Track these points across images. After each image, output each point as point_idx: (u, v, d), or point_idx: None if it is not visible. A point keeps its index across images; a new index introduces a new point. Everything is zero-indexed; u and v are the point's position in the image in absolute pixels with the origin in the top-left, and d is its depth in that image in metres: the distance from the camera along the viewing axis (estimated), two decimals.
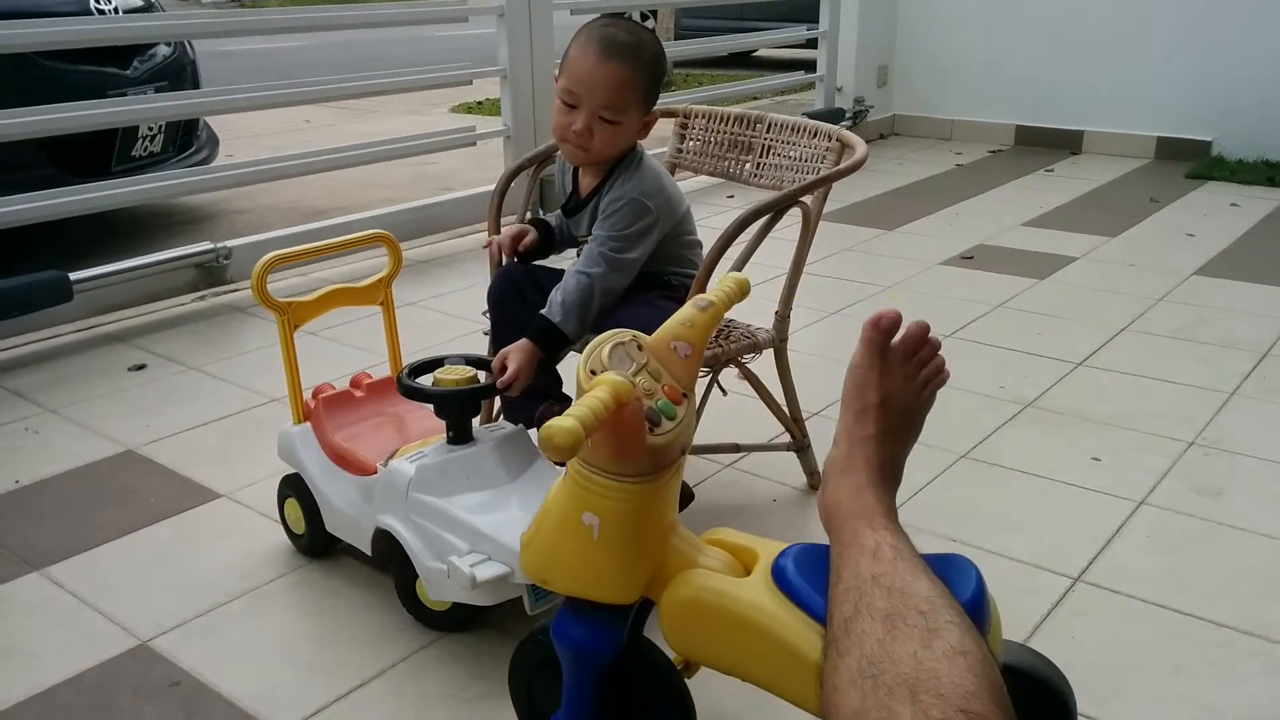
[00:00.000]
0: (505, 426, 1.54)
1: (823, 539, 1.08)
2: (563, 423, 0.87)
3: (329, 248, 1.65)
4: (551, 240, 1.76)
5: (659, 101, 1.63)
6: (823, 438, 1.94)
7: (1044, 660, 1.12)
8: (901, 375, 1.12)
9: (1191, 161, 4.58)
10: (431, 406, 1.48)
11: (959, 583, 0.95)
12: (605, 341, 1.02)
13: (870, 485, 1.05)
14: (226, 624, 1.52)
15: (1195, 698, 1.35)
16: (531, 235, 1.72)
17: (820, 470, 1.87)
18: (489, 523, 1.37)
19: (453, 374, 1.45)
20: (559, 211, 1.75)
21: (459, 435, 1.48)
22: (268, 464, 1.96)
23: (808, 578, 0.99)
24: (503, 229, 1.74)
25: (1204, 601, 1.55)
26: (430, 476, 1.42)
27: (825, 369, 2.42)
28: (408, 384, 1.46)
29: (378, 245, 1.69)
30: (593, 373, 0.98)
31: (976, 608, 0.93)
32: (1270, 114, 4.45)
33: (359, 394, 1.66)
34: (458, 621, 1.47)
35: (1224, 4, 4.45)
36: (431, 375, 1.48)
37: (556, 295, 1.54)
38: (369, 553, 1.53)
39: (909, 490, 1.87)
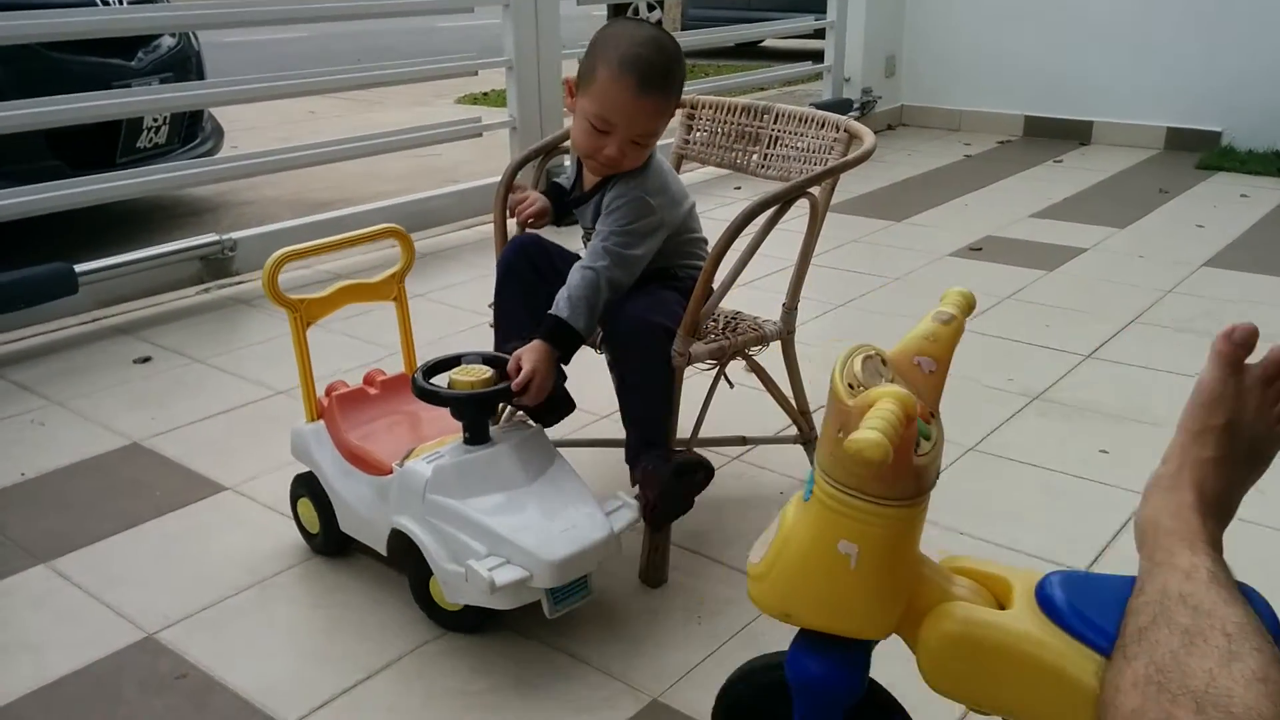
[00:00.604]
0: (522, 428, 1.52)
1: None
2: (869, 435, 0.82)
3: (340, 243, 1.63)
4: (564, 208, 1.72)
5: None
6: None
7: None
8: (1256, 400, 1.02)
9: (1201, 152, 4.55)
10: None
11: (1259, 613, 0.88)
12: (855, 354, 0.96)
13: (1195, 508, 0.96)
14: (233, 617, 1.52)
15: None
16: (548, 217, 1.69)
17: None
18: (508, 526, 1.36)
19: (470, 374, 1.43)
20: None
21: (476, 436, 1.46)
22: (273, 457, 1.96)
23: (1076, 604, 0.93)
24: (530, 201, 1.68)
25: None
26: (447, 478, 1.41)
27: (832, 361, 2.41)
28: (423, 386, 1.44)
29: (388, 239, 1.68)
30: (851, 387, 0.92)
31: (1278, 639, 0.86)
32: None
33: (373, 392, 1.64)
34: (470, 622, 1.46)
35: None
36: (447, 375, 1.46)
37: (564, 293, 1.52)
38: (384, 553, 1.51)
39: None
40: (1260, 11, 4.38)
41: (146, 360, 2.48)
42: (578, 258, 1.62)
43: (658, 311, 1.53)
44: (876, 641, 1.02)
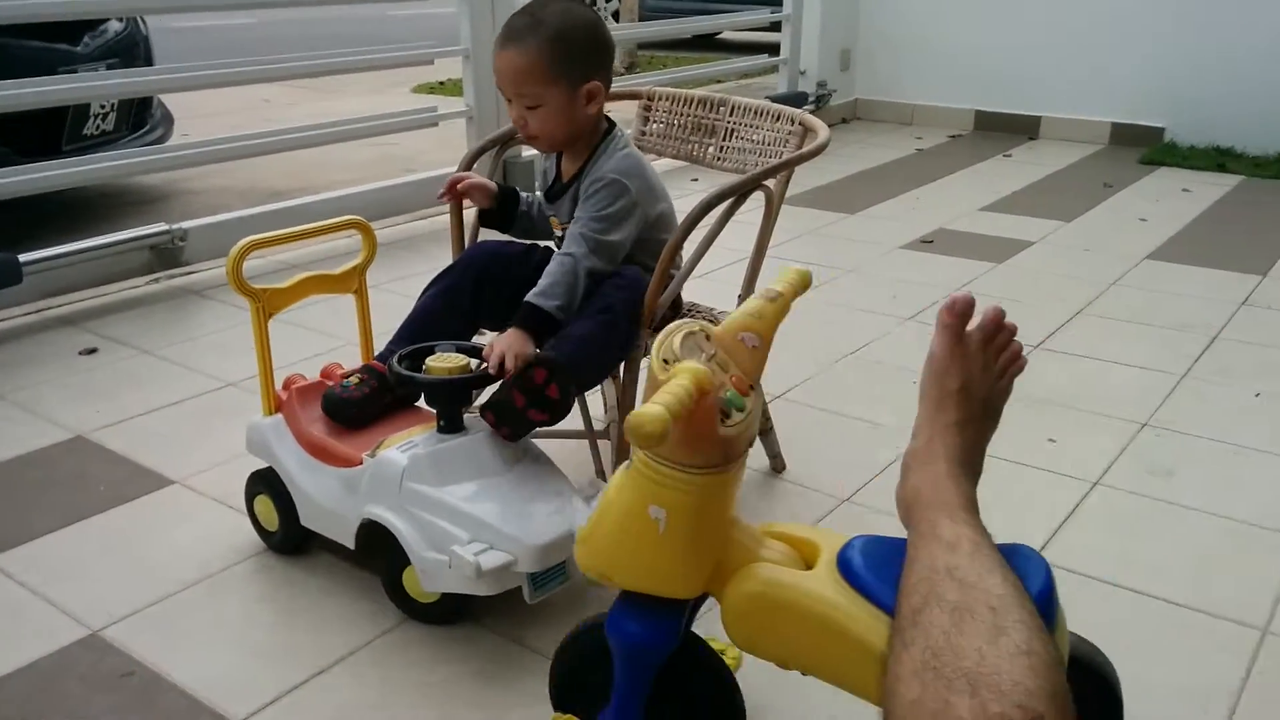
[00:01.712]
0: None
1: (773, 520, 1.08)
2: (651, 410, 0.85)
3: (305, 234, 1.60)
4: (513, 215, 1.72)
5: (631, 77, 1.61)
6: (785, 421, 1.96)
7: (1095, 649, 1.12)
8: (980, 362, 1.10)
9: (1145, 147, 4.65)
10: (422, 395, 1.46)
11: (1028, 574, 0.93)
12: (675, 331, 1.00)
13: (950, 476, 1.03)
14: (180, 612, 1.50)
15: (1147, 675, 1.38)
16: (487, 191, 1.68)
17: (780, 454, 1.88)
18: (489, 511, 1.36)
19: (445, 361, 1.43)
20: (540, 194, 1.74)
21: (450, 424, 1.46)
22: (223, 450, 1.93)
23: (874, 570, 0.97)
24: (469, 178, 1.68)
25: (1156, 580, 1.58)
26: (424, 466, 1.40)
27: (786, 352, 2.43)
28: (400, 372, 1.43)
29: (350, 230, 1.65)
30: (665, 362, 0.96)
31: (1045, 601, 0.91)
32: (1221, 101, 4.52)
33: (331, 384, 1.61)
34: (446, 613, 1.45)
35: None
36: (424, 364, 1.45)
37: (543, 280, 1.52)
38: (351, 546, 1.49)
39: (871, 471, 1.88)
40: (1203, 11, 4.48)
41: (93, 352, 2.43)
42: (536, 277, 1.62)
43: (617, 300, 1.53)
44: (690, 601, 1.07)
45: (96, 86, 3.13)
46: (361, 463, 1.46)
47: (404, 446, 1.43)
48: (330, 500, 1.50)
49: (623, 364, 1.60)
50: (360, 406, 1.54)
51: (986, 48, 5.05)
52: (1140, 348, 2.48)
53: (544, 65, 1.51)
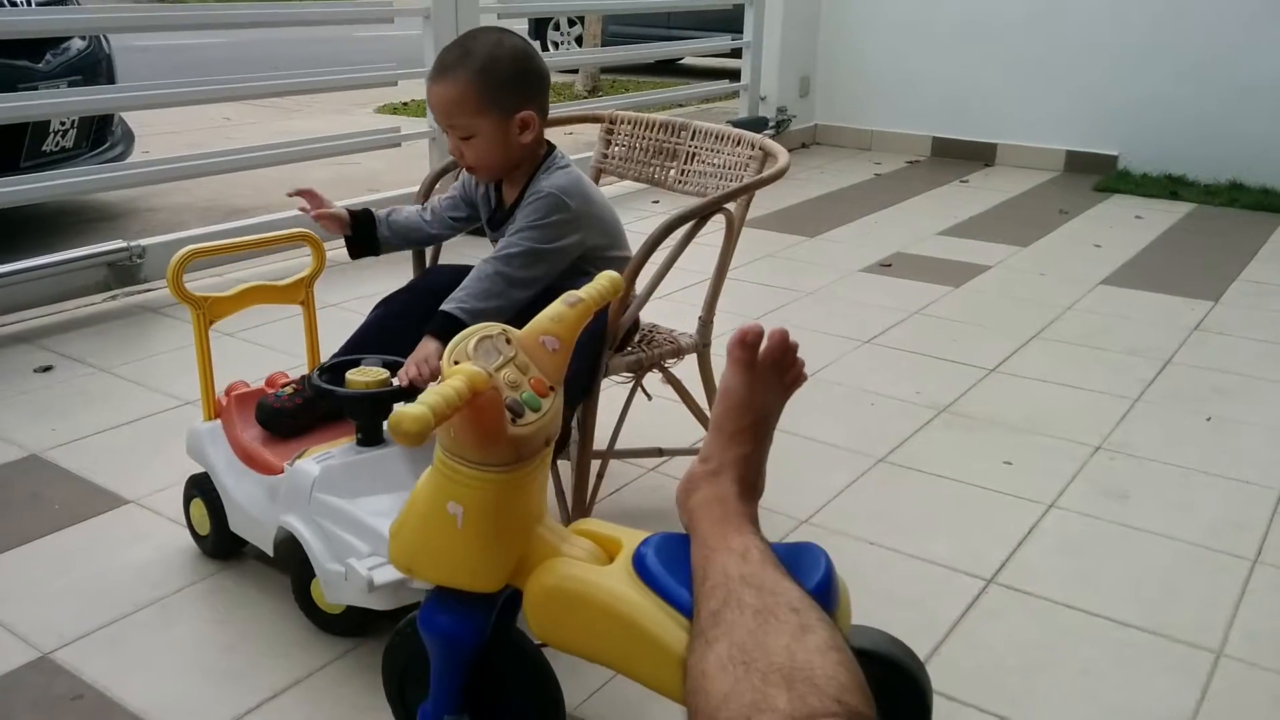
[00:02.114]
0: None
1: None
2: (413, 409, 0.88)
3: (250, 244, 1.63)
4: (374, 237, 1.71)
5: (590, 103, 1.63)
6: None
7: (899, 644, 1.16)
8: (770, 384, 1.14)
9: (1099, 175, 4.75)
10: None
11: (809, 568, 1.00)
12: (472, 335, 1.04)
13: (738, 498, 1.08)
14: (132, 634, 1.48)
15: (1103, 697, 1.40)
16: (340, 220, 1.68)
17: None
18: (390, 526, 1.36)
19: (366, 375, 1.43)
20: (421, 207, 1.75)
21: (368, 437, 1.46)
22: (178, 469, 1.90)
23: (668, 566, 1.02)
24: (325, 202, 1.70)
25: (1111, 602, 1.60)
26: (335, 477, 1.40)
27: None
28: (318, 384, 1.44)
29: (301, 245, 1.66)
30: (455, 363, 1.00)
31: (825, 591, 0.98)
32: (1172, 130, 4.64)
33: (266, 395, 1.62)
34: (351, 626, 1.45)
35: (1130, 24, 4.63)
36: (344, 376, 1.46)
37: (459, 291, 1.54)
38: (271, 553, 1.50)
39: (828, 494, 1.90)
40: (1155, 41, 4.60)
41: (48, 369, 2.39)
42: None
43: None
44: (500, 594, 1.12)
45: (57, 103, 3.10)
46: (282, 471, 1.47)
47: (320, 457, 1.43)
48: (253, 507, 1.51)
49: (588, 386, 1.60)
50: (292, 416, 1.55)
51: (944, 75, 5.15)
52: (1094, 372, 2.53)
53: (473, 96, 1.52)
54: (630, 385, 1.75)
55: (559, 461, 1.82)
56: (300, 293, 1.66)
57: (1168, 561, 1.72)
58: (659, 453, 1.89)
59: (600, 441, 1.64)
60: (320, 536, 1.40)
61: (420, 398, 0.90)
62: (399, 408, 0.89)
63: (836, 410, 2.27)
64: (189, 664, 1.42)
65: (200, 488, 1.61)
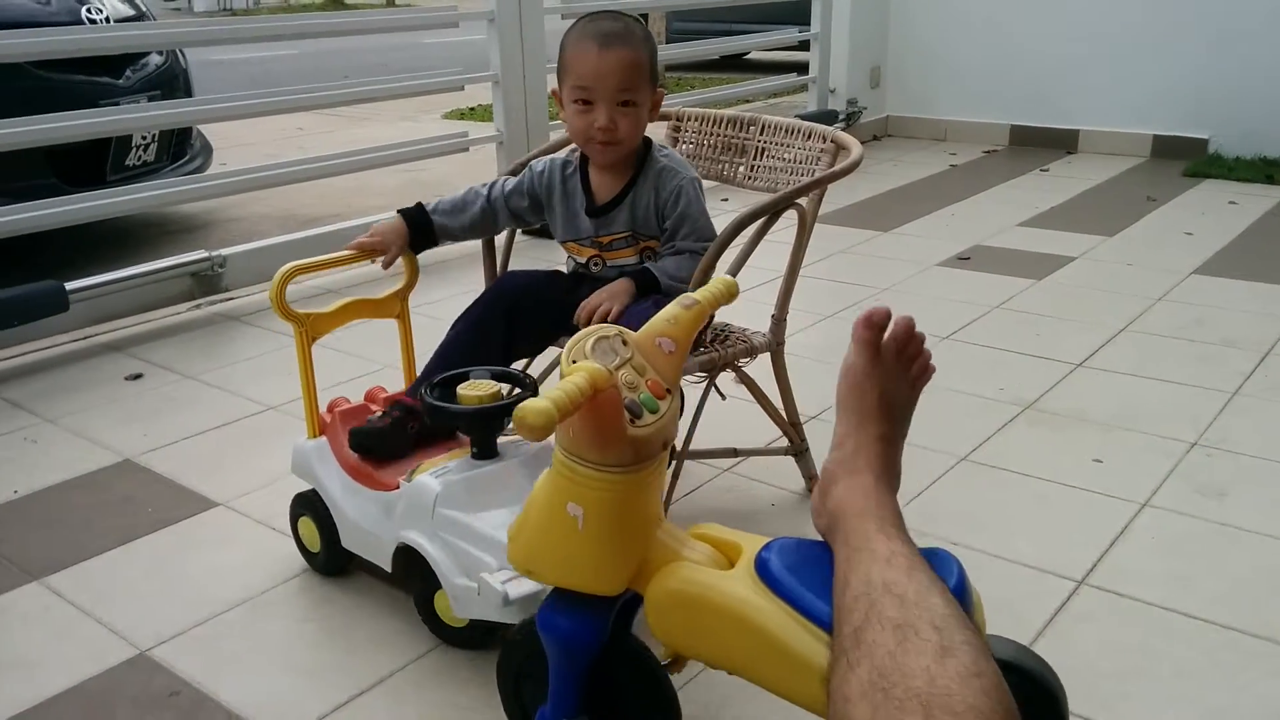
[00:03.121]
0: (529, 444, 1.50)
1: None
2: (537, 403, 0.88)
3: (345, 259, 1.62)
4: (431, 232, 1.69)
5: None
6: (820, 441, 1.93)
7: (1036, 658, 1.12)
8: (895, 372, 1.12)
9: (1188, 159, 4.58)
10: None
11: (944, 575, 0.95)
12: (590, 335, 1.04)
13: (878, 489, 1.04)
14: (225, 632, 1.51)
15: (1201, 700, 1.35)
16: (393, 252, 1.65)
17: (815, 476, 1.87)
18: None
19: (477, 389, 1.42)
20: (481, 185, 1.72)
21: (483, 451, 1.46)
22: (265, 472, 1.95)
23: (791, 571, 1.00)
24: (375, 243, 1.66)
25: (1209, 604, 1.54)
26: (457, 492, 1.40)
27: (822, 372, 2.42)
28: (431, 402, 1.43)
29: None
30: (574, 362, 0.99)
31: (959, 601, 0.93)
32: (1267, 111, 4.45)
33: (375, 408, 1.62)
34: (476, 637, 1.45)
35: (1218, 0, 4.46)
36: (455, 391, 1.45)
37: (669, 264, 1.59)
38: (389, 569, 1.50)
39: (908, 494, 1.86)
40: (1246, 18, 4.43)
41: (138, 377, 2.47)
42: (577, 291, 1.63)
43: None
44: (620, 598, 1.10)
45: (138, 118, 3.20)
46: (398, 487, 1.47)
47: (437, 472, 1.43)
48: (368, 523, 1.51)
49: None
50: (384, 438, 1.54)
51: (1021, 61, 5.02)
52: (1188, 365, 2.44)
53: (646, 62, 1.55)
54: (704, 385, 1.73)
55: None
56: (396, 306, 1.67)
57: (1269, 562, 1.65)
58: (734, 453, 1.87)
59: (675, 442, 1.63)
60: (446, 551, 1.39)
61: (546, 393, 0.90)
62: (523, 404, 0.89)
63: (916, 408, 2.22)
64: (279, 661, 1.45)
65: (308, 505, 1.61)
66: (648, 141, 1.65)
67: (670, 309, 1.10)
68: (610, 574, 1.07)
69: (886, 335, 1.12)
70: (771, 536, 1.08)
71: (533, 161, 1.74)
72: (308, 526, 1.63)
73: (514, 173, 1.88)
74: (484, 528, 1.37)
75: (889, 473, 1.09)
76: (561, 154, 1.73)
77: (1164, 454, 2.00)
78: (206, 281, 3.02)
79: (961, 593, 0.95)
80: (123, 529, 1.79)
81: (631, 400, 1.01)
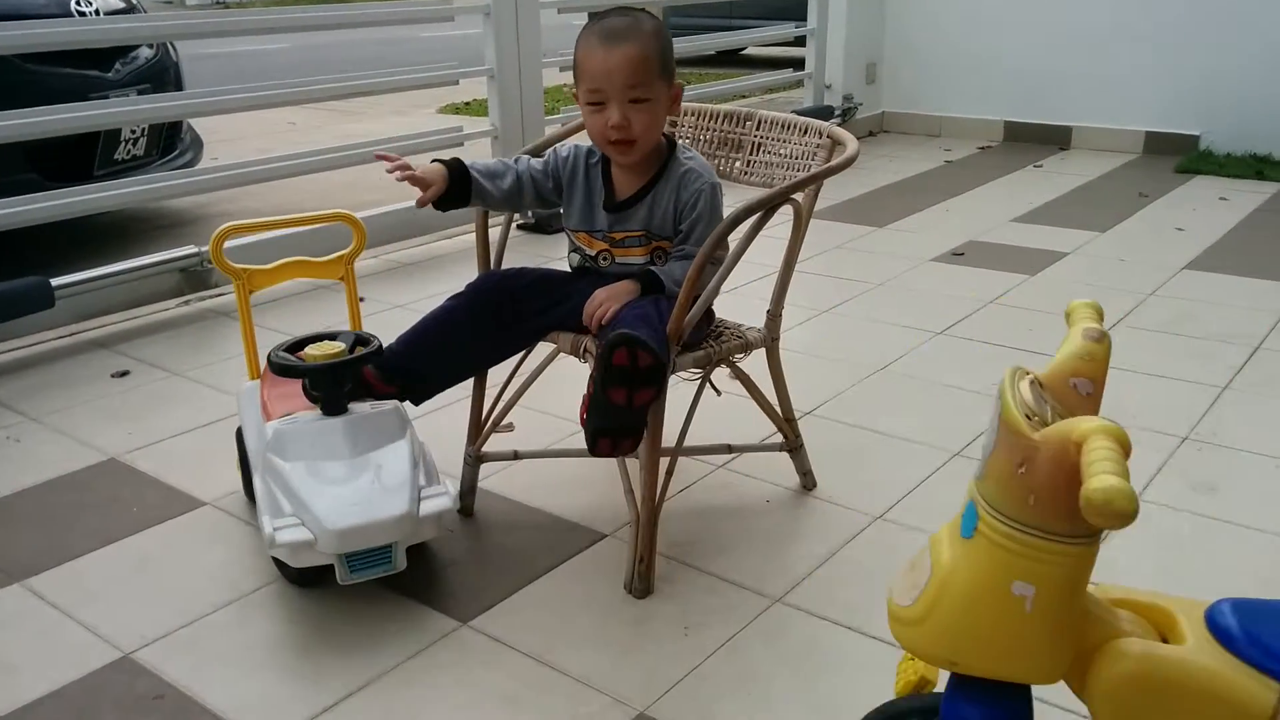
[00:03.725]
0: (384, 404, 1.58)
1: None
2: (1115, 484, 0.76)
3: (288, 221, 1.76)
4: (467, 191, 1.61)
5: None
6: (815, 437, 1.93)
7: None
8: None
9: (1180, 156, 4.58)
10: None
11: None
12: (1019, 379, 0.91)
13: None
14: (211, 634, 1.49)
15: None
16: (432, 192, 1.58)
17: (810, 472, 1.86)
18: (309, 490, 1.44)
19: (322, 349, 1.52)
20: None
21: (329, 407, 1.54)
22: None
23: (1251, 632, 0.90)
24: (419, 176, 1.59)
25: (1201, 598, 1.53)
26: (284, 440, 1.51)
27: (817, 368, 2.41)
28: (278, 360, 1.52)
29: (342, 225, 1.78)
30: (1028, 418, 0.87)
31: None
32: (1257, 107, 4.45)
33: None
34: (303, 579, 1.57)
35: None
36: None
37: (676, 269, 1.58)
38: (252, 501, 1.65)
39: (903, 489, 1.85)
40: (1237, 15, 4.42)
41: (124, 374, 2.45)
42: (568, 288, 1.62)
43: (653, 314, 1.52)
44: (1034, 686, 0.97)
45: (127, 112, 3.17)
46: (271, 419, 1.57)
47: (284, 420, 1.53)
48: (253, 456, 1.63)
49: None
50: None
51: (1016, 57, 5.01)
52: (1179, 360, 2.43)
53: (655, 57, 1.53)
54: (698, 381, 1.72)
55: (626, 460, 1.80)
56: (340, 269, 1.75)
57: (1260, 556, 1.64)
58: (728, 449, 1.86)
59: (668, 438, 1.62)
60: (264, 492, 1.51)
61: (1099, 469, 0.77)
62: (1101, 485, 0.76)
63: (910, 404, 2.22)
64: (266, 663, 1.43)
65: (239, 440, 1.78)
66: (672, 142, 1.64)
67: (1080, 344, 0.95)
68: (1058, 658, 0.93)
69: None
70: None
71: (558, 145, 1.72)
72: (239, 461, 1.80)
73: (531, 154, 1.85)
74: (290, 475, 1.47)
75: None
76: (589, 141, 1.70)
77: (1155, 449, 1.99)
78: (195, 277, 3.00)
79: None
80: (107, 529, 1.77)
81: None
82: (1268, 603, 0.95)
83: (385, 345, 1.59)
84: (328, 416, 1.53)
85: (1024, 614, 0.89)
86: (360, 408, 1.55)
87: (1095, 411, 0.94)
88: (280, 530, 1.41)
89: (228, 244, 1.77)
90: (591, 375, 1.51)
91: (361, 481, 1.47)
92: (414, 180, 1.58)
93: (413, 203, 1.63)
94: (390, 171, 1.57)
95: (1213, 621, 0.91)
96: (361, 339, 1.59)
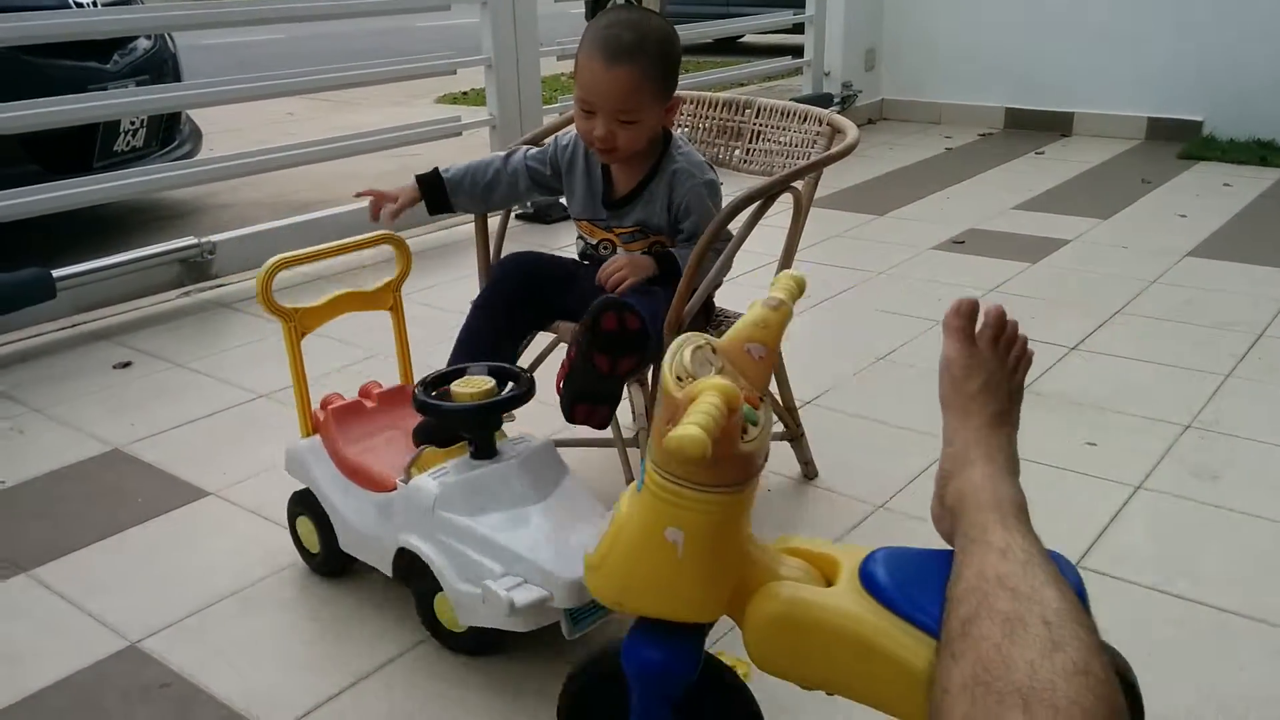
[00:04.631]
0: (530, 441, 1.45)
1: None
2: (689, 431, 0.82)
3: (336, 250, 1.56)
4: (444, 196, 1.67)
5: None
6: (815, 427, 1.93)
7: (1115, 652, 1.10)
8: (993, 361, 1.09)
9: (1183, 142, 4.57)
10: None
11: None
12: (684, 345, 0.96)
13: (995, 476, 1.00)
14: (216, 623, 1.50)
15: (1194, 682, 1.34)
16: (401, 202, 1.63)
17: (811, 461, 1.86)
18: (522, 542, 1.30)
19: (470, 386, 1.37)
20: (497, 156, 1.69)
21: (481, 450, 1.40)
22: (257, 461, 1.94)
23: (898, 582, 0.95)
24: (387, 193, 1.65)
25: (1202, 586, 1.54)
26: (456, 494, 1.35)
27: (818, 356, 2.41)
28: (424, 400, 1.37)
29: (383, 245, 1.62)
30: (679, 379, 0.92)
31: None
32: (1261, 93, 4.44)
33: (370, 404, 1.58)
34: (477, 644, 1.40)
35: None
36: (450, 388, 1.40)
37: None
38: (389, 573, 1.45)
39: (905, 478, 1.85)
40: (1240, 1, 4.40)
41: (127, 365, 2.45)
42: (568, 268, 1.61)
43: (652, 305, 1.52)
44: (710, 625, 1.04)
45: (126, 103, 3.16)
46: (395, 488, 1.42)
47: (436, 473, 1.38)
48: (366, 525, 1.46)
49: (651, 369, 1.58)
50: (444, 428, 1.47)
51: (1016, 43, 4.99)
52: (1182, 347, 2.43)
53: (650, 82, 1.51)
54: None
55: (628, 448, 1.80)
56: (389, 298, 1.62)
57: (1263, 543, 1.65)
58: None
59: None
60: (448, 556, 1.34)
61: (687, 419, 0.84)
62: (675, 432, 0.83)
63: (911, 393, 2.22)
64: (271, 652, 1.44)
65: (305, 504, 1.56)
66: (668, 136, 1.63)
67: (758, 311, 1.02)
68: (711, 600, 1.00)
69: (979, 324, 1.09)
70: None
71: (558, 134, 1.71)
72: (306, 526, 1.58)
73: (531, 143, 1.85)
74: (486, 530, 1.32)
75: (1005, 461, 1.04)
76: None
77: (1158, 436, 1.99)
78: (196, 268, 3.00)
79: (1082, 595, 0.90)
80: (112, 519, 1.77)
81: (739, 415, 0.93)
82: (922, 553, 0.99)
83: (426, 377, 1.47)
84: (482, 460, 1.40)
85: (676, 558, 0.96)
86: (508, 446, 1.43)
87: (767, 374, 1.01)
88: (513, 591, 1.25)
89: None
90: (572, 343, 1.51)
91: (570, 524, 1.35)
92: (374, 193, 1.62)
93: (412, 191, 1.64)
94: (356, 195, 1.62)
95: (863, 570, 0.97)
96: (501, 371, 1.43)
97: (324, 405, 1.58)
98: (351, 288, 1.62)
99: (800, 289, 1.07)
